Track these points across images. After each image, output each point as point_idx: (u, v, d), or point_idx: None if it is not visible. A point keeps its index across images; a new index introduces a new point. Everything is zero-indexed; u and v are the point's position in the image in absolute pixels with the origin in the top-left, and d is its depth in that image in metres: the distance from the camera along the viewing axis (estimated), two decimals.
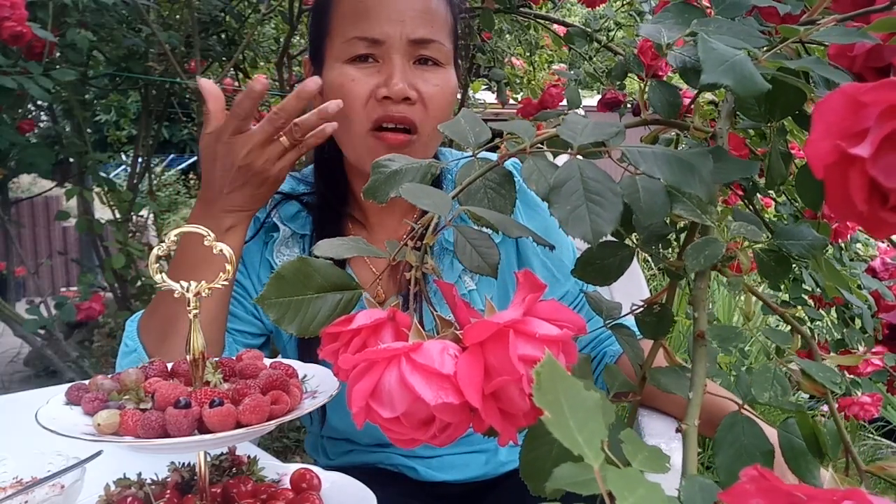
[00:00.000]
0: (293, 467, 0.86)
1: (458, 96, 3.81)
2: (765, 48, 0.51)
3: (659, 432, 1.41)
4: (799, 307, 1.61)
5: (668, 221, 0.55)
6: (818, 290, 1.57)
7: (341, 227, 1.17)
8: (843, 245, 1.68)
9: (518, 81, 3.42)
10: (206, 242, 0.73)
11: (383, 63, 1.03)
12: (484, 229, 0.48)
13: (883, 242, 1.74)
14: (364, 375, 0.39)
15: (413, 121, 1.03)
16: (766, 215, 1.50)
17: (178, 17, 2.87)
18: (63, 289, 5.43)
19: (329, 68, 1.06)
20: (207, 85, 0.95)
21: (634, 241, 0.55)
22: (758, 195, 1.05)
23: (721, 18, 0.55)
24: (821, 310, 1.65)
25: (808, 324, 1.64)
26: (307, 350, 1.10)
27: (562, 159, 0.51)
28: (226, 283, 0.73)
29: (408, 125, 1.03)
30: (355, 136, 1.05)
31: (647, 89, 0.57)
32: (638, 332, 0.60)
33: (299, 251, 1.17)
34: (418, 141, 1.05)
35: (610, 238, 0.48)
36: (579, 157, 0.45)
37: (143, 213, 2.99)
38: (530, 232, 0.47)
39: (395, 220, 1.18)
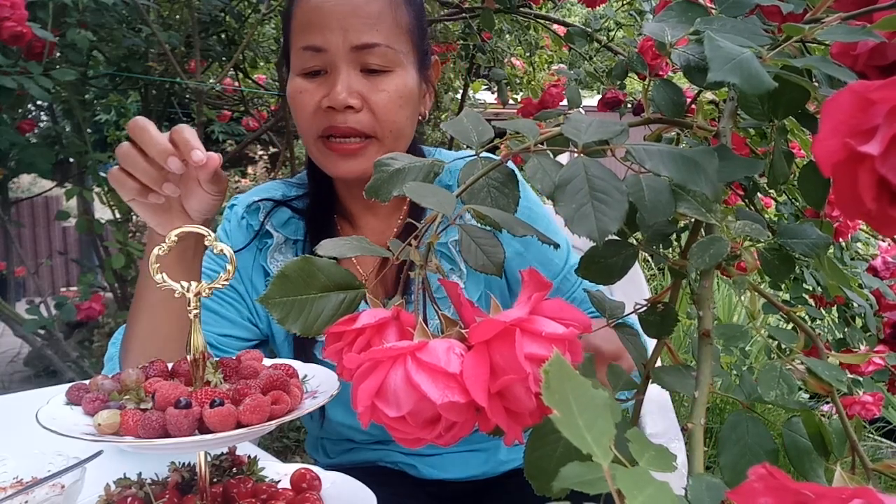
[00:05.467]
0: (293, 467, 0.86)
1: (458, 96, 3.83)
2: (768, 46, 0.51)
3: (660, 432, 1.42)
4: (800, 306, 1.61)
5: (670, 220, 0.55)
6: (819, 289, 1.57)
7: (332, 230, 1.19)
8: (843, 244, 1.68)
9: (518, 81, 3.42)
10: (206, 242, 0.74)
11: (330, 73, 1.04)
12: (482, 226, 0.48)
13: (885, 241, 1.74)
14: (369, 375, 0.39)
15: (360, 130, 1.04)
16: (767, 215, 1.50)
17: (178, 17, 2.87)
18: (63, 289, 5.43)
19: (290, 80, 1.09)
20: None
21: (637, 239, 0.55)
22: (758, 194, 1.05)
23: (724, 17, 0.54)
24: (822, 309, 1.65)
25: (809, 323, 1.64)
26: (303, 350, 1.12)
27: (562, 159, 0.51)
28: (226, 282, 0.73)
29: (354, 135, 1.04)
30: (309, 143, 1.08)
31: (650, 88, 0.57)
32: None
33: (293, 256, 1.18)
34: (376, 144, 1.05)
35: (613, 237, 0.48)
36: (583, 155, 0.45)
37: None
38: (534, 230, 0.47)
39: (380, 221, 1.19)
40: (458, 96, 3.85)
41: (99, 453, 0.82)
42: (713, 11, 0.57)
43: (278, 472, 0.87)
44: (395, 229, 1.19)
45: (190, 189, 0.94)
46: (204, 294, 0.72)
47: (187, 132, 0.87)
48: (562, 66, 3.32)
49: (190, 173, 0.92)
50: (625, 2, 2.73)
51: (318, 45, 1.03)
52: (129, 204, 0.94)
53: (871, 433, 3.19)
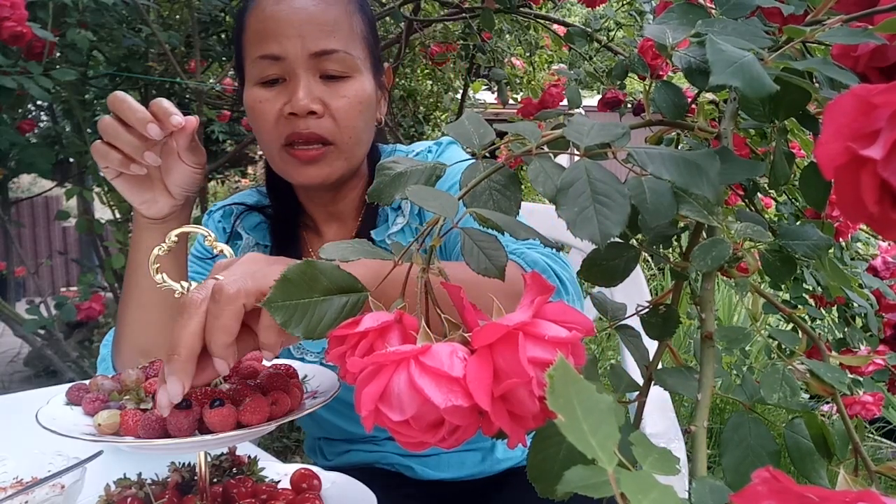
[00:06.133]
0: (293, 467, 0.86)
1: (458, 96, 3.82)
2: (769, 48, 0.51)
3: (660, 432, 1.42)
4: (800, 306, 1.61)
5: (671, 222, 0.55)
6: (819, 289, 1.57)
7: (297, 237, 1.21)
8: (844, 244, 1.68)
9: (518, 81, 3.42)
10: (206, 242, 0.74)
11: (289, 81, 1.05)
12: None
13: (885, 241, 1.74)
14: (373, 379, 0.39)
15: (321, 135, 1.04)
16: (767, 215, 1.50)
17: (178, 17, 2.87)
18: (63, 289, 5.43)
19: (246, 90, 1.09)
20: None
21: (638, 242, 0.55)
22: (758, 195, 1.05)
23: (725, 19, 0.54)
24: (822, 309, 1.65)
25: (810, 323, 1.64)
26: None
27: (561, 159, 0.51)
28: None
29: (317, 140, 1.05)
30: (272, 153, 1.09)
31: (651, 90, 0.57)
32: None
33: None
34: (336, 151, 1.07)
35: (615, 239, 0.48)
36: (585, 158, 0.45)
37: None
38: (536, 233, 0.47)
39: (342, 225, 1.21)
40: (458, 96, 3.86)
41: (99, 453, 0.82)
42: (714, 13, 0.57)
43: (278, 472, 0.87)
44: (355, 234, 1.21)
45: (170, 163, 0.96)
46: None
47: (165, 103, 0.90)
48: (562, 66, 3.33)
49: (170, 146, 0.94)
50: (625, 2, 2.73)
51: (275, 54, 1.03)
52: (113, 183, 0.96)
53: (872, 433, 3.19)
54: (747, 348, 2.96)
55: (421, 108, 4.18)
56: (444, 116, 4.24)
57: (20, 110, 2.32)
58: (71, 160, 2.73)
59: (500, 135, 0.54)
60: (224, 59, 2.95)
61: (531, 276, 0.41)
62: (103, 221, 2.57)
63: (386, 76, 1.18)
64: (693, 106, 0.69)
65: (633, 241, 0.54)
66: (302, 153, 1.05)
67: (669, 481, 0.29)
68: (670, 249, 0.59)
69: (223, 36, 2.95)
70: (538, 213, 1.53)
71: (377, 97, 1.13)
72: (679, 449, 1.12)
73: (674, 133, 0.67)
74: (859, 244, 1.79)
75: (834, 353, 0.54)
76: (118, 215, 2.71)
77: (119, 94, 0.91)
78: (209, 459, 0.78)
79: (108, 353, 1.08)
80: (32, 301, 2.46)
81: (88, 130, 2.49)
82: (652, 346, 0.56)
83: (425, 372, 0.38)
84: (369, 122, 1.11)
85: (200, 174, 0.99)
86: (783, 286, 1.77)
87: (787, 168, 0.62)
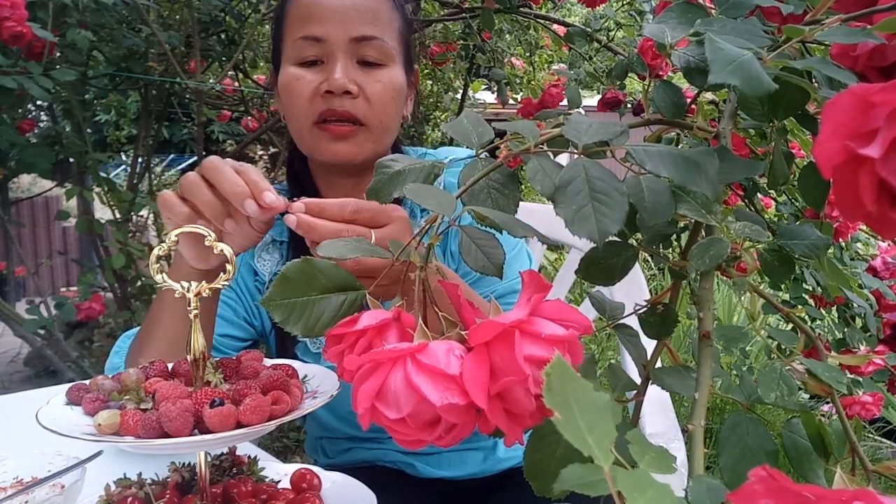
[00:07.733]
0: (293, 467, 0.86)
1: (458, 96, 3.82)
2: (768, 48, 0.51)
3: (659, 432, 1.42)
4: (800, 307, 1.61)
5: (670, 221, 0.55)
6: (819, 289, 1.57)
7: None
8: (843, 244, 1.68)
9: (518, 81, 3.42)
10: (206, 243, 0.74)
11: (327, 63, 1.08)
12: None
13: (885, 241, 1.74)
14: (369, 376, 0.39)
15: (355, 115, 1.07)
16: (767, 215, 1.50)
17: (178, 17, 2.86)
18: (63, 289, 5.43)
19: (282, 71, 1.12)
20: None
21: (637, 240, 0.55)
22: (758, 195, 1.05)
23: (724, 18, 0.55)
24: (822, 309, 1.65)
25: (809, 323, 1.64)
26: (283, 347, 1.17)
27: (561, 159, 0.51)
28: (226, 283, 0.73)
29: (350, 119, 1.07)
30: (302, 130, 1.10)
31: (650, 89, 0.57)
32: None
33: (279, 256, 1.22)
34: (366, 132, 1.09)
35: (614, 238, 0.48)
36: (584, 156, 0.45)
37: (143, 213, 2.98)
38: (535, 232, 0.47)
39: None
40: (458, 96, 3.85)
41: (99, 453, 0.82)
42: (713, 12, 0.57)
43: (278, 472, 0.87)
44: None
45: (237, 227, 0.87)
46: (204, 294, 0.72)
47: (253, 174, 0.84)
48: (562, 66, 3.32)
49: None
50: (625, 2, 2.73)
51: (317, 35, 1.07)
52: (173, 235, 0.89)
53: (871, 433, 3.19)
54: (747, 348, 2.96)
55: (421, 108, 4.18)
56: (444, 116, 4.23)
57: (20, 110, 2.32)
58: (71, 160, 2.73)
59: (500, 134, 0.54)
60: (224, 59, 2.95)
61: (528, 274, 0.41)
62: (103, 221, 2.57)
63: (415, 77, 1.21)
64: (692, 106, 0.69)
65: (632, 240, 0.54)
66: (334, 128, 1.07)
67: (669, 481, 0.29)
68: (669, 249, 0.59)
69: (223, 36, 2.95)
70: (538, 213, 1.53)
71: (407, 93, 1.16)
72: (679, 449, 1.12)
73: (673, 133, 0.68)
74: (859, 244, 1.79)
75: (833, 353, 0.54)
76: (118, 215, 2.71)
77: (216, 160, 0.84)
78: (209, 459, 0.78)
79: (121, 362, 1.07)
80: (32, 301, 2.46)
81: (88, 130, 2.49)
82: (650, 345, 0.56)
83: (422, 370, 0.38)
84: (399, 112, 1.14)
85: (263, 236, 0.92)
86: (782, 286, 1.77)
87: (786, 168, 0.62)
